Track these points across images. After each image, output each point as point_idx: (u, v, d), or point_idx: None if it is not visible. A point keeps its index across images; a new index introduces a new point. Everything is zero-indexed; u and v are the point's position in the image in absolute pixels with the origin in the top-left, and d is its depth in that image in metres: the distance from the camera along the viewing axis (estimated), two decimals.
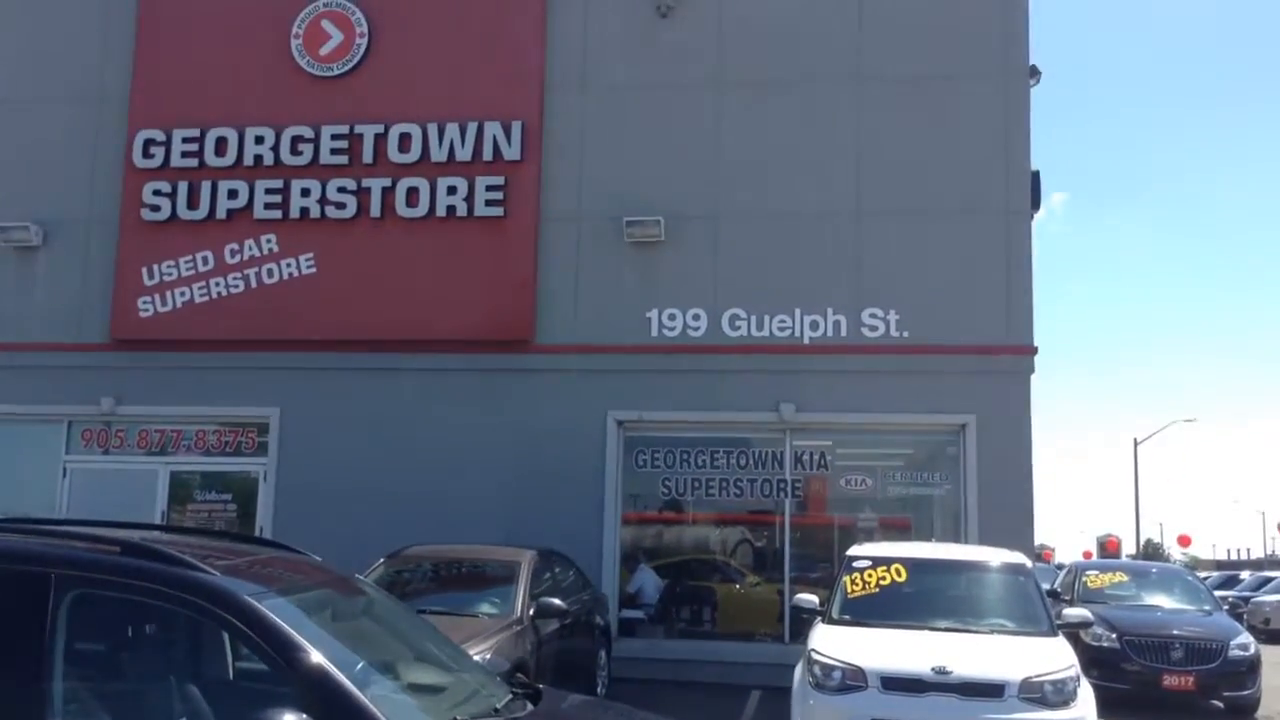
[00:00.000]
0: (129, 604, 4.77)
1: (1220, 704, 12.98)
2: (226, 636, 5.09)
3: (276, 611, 4.30)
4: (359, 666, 4.30)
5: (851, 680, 7.93)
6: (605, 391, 14.58)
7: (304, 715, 3.93)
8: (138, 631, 4.91)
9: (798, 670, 8.64)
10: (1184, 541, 26.48)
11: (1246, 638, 13.15)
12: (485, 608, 9.84)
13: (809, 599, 9.44)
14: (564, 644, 10.43)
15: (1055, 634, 8.71)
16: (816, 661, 8.18)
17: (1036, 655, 8.15)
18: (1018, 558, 9.81)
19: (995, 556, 9.87)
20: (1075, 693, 7.83)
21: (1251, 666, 12.62)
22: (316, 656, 4.18)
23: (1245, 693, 12.50)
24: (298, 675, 4.13)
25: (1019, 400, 14.15)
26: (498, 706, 4.76)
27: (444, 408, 14.70)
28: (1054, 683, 7.78)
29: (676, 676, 13.29)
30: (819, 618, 9.19)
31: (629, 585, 14.86)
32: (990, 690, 7.70)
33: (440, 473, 14.44)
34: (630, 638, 14.25)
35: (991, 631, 8.77)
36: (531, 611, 9.82)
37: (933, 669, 7.80)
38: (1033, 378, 14.30)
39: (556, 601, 10.09)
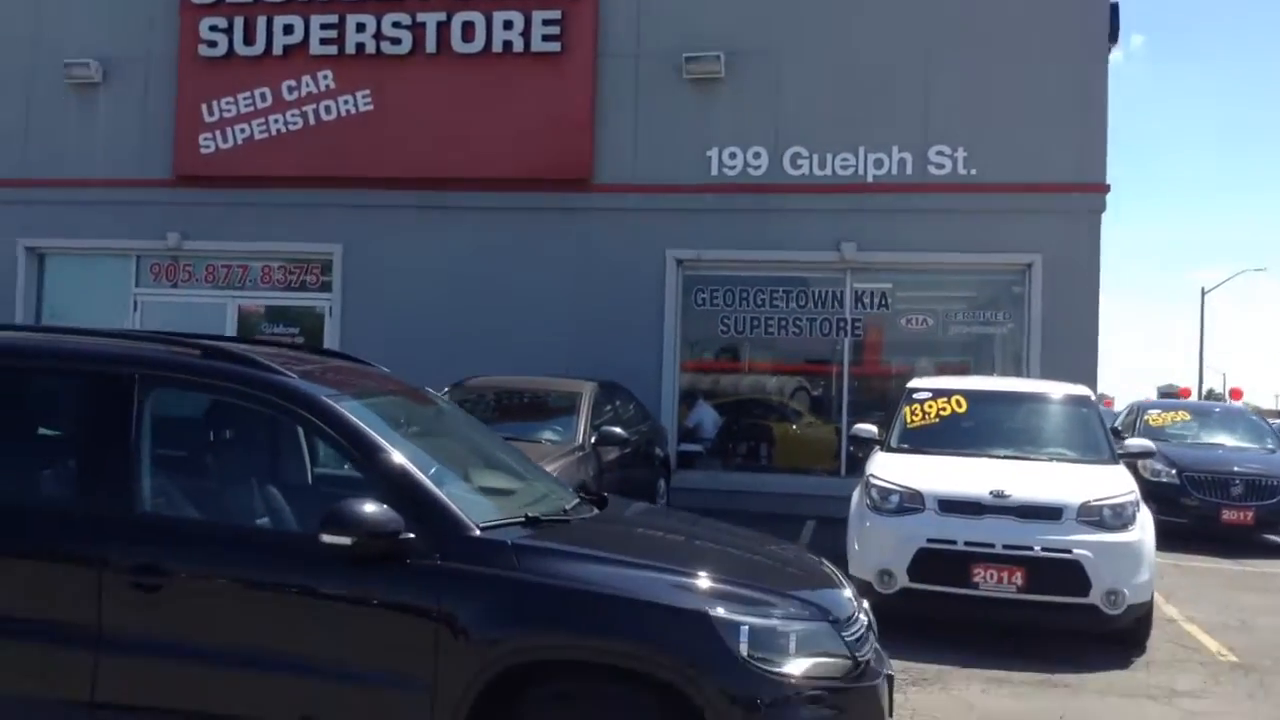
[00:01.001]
0: (209, 404, 4.94)
1: (1277, 538, 13.05)
2: (303, 436, 5.29)
3: (353, 413, 4.43)
4: (433, 469, 4.43)
5: (909, 503, 8.02)
6: (664, 231, 14.51)
7: (384, 505, 4.08)
8: (218, 431, 5.09)
9: (855, 495, 8.75)
10: (1235, 395, 26.11)
11: None
12: (548, 435, 10.02)
13: (868, 428, 9.50)
14: (624, 472, 10.63)
15: (1116, 462, 8.71)
16: (874, 485, 8.28)
17: (1096, 481, 8.17)
18: (1080, 389, 9.76)
19: (1057, 388, 9.84)
20: (1134, 517, 7.86)
21: None
22: (393, 453, 4.32)
23: None
24: (376, 471, 4.27)
25: (1088, 239, 13.89)
26: (566, 508, 4.90)
27: (504, 246, 14.74)
28: (1113, 506, 7.82)
29: (733, 507, 13.53)
30: (877, 447, 9.26)
31: (688, 420, 15.06)
32: (1048, 513, 7.76)
33: (500, 311, 14.57)
34: (688, 470, 14.50)
35: (1051, 460, 8.80)
36: (593, 439, 10.00)
37: (991, 492, 7.86)
38: (1102, 217, 14.02)
39: (618, 430, 10.25)
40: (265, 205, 15.15)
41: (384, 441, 4.34)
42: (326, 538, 3.99)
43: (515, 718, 3.99)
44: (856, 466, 13.84)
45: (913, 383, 9.94)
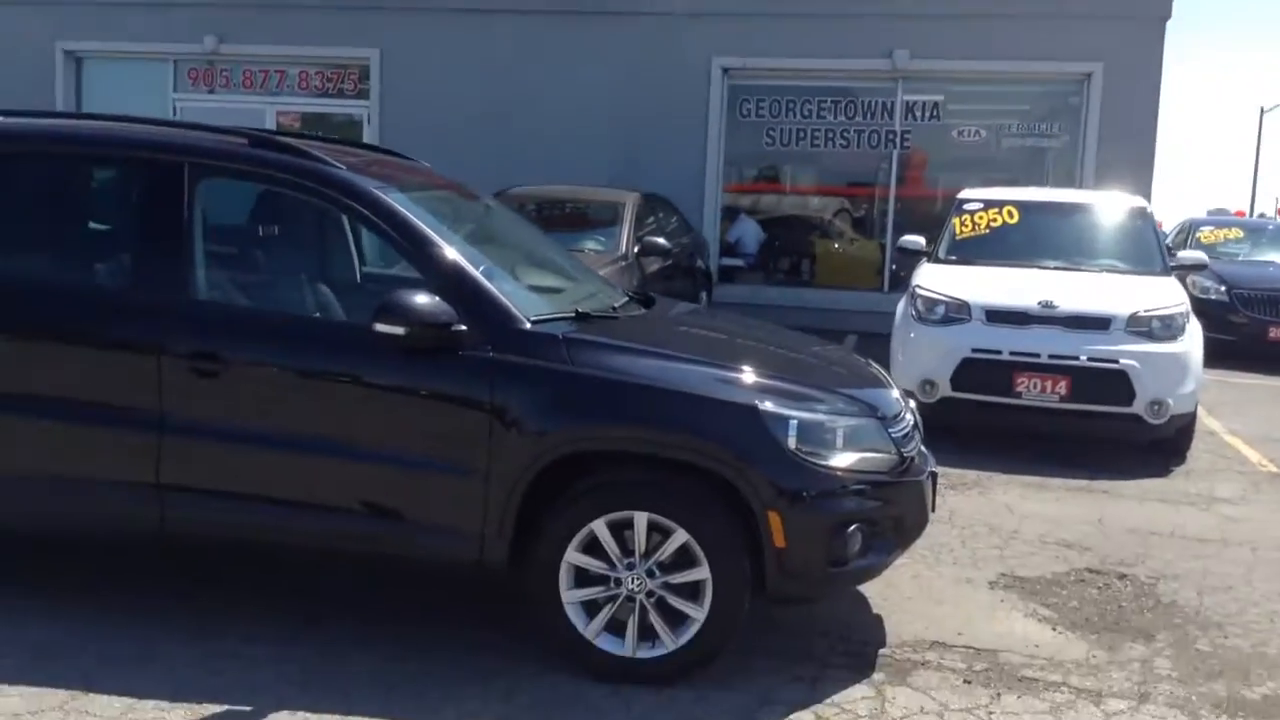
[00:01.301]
0: (258, 194, 4.92)
1: None
2: (351, 234, 5.28)
3: (402, 205, 4.39)
4: (482, 264, 4.41)
5: (955, 313, 7.97)
6: (709, 37, 14.08)
7: (436, 296, 4.08)
8: (268, 224, 5.08)
9: (900, 306, 8.70)
10: None
11: None
12: (591, 245, 9.97)
13: (915, 239, 9.35)
14: (666, 284, 10.58)
15: (1169, 274, 8.57)
16: (920, 296, 8.21)
17: (1146, 291, 8.05)
18: (1136, 199, 9.53)
19: (1112, 198, 9.62)
20: (1183, 328, 7.78)
21: None
22: (444, 246, 4.29)
23: None
24: (427, 263, 4.25)
25: (1150, 48, 13.36)
26: (615, 306, 4.90)
27: (545, 52, 14.38)
28: (1162, 318, 7.73)
29: (773, 321, 13.55)
30: (924, 258, 9.15)
31: (729, 234, 14.94)
32: (1096, 323, 7.69)
33: (541, 120, 14.33)
34: (729, 284, 14.46)
35: (1102, 271, 8.66)
36: (636, 250, 9.94)
37: (1039, 303, 7.78)
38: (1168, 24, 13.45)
39: (661, 240, 10.17)
40: (302, 8, 14.80)
41: (434, 234, 4.30)
42: (380, 327, 4.00)
43: (563, 507, 4.07)
44: (900, 284, 13.82)
45: (963, 193, 9.73)
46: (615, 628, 4.11)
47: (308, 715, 3.78)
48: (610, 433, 4.08)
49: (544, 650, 4.23)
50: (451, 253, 4.27)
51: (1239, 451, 8.43)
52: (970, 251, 8.97)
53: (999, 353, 7.71)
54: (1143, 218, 9.22)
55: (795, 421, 4.04)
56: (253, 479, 4.23)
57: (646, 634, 4.09)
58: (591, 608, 4.10)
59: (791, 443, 4.01)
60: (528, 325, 4.17)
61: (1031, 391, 7.65)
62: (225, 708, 3.80)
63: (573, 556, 4.07)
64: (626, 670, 4.09)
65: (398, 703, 3.90)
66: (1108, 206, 9.44)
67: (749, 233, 15.06)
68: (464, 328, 4.08)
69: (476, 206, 5.43)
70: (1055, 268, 8.66)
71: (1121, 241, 9.11)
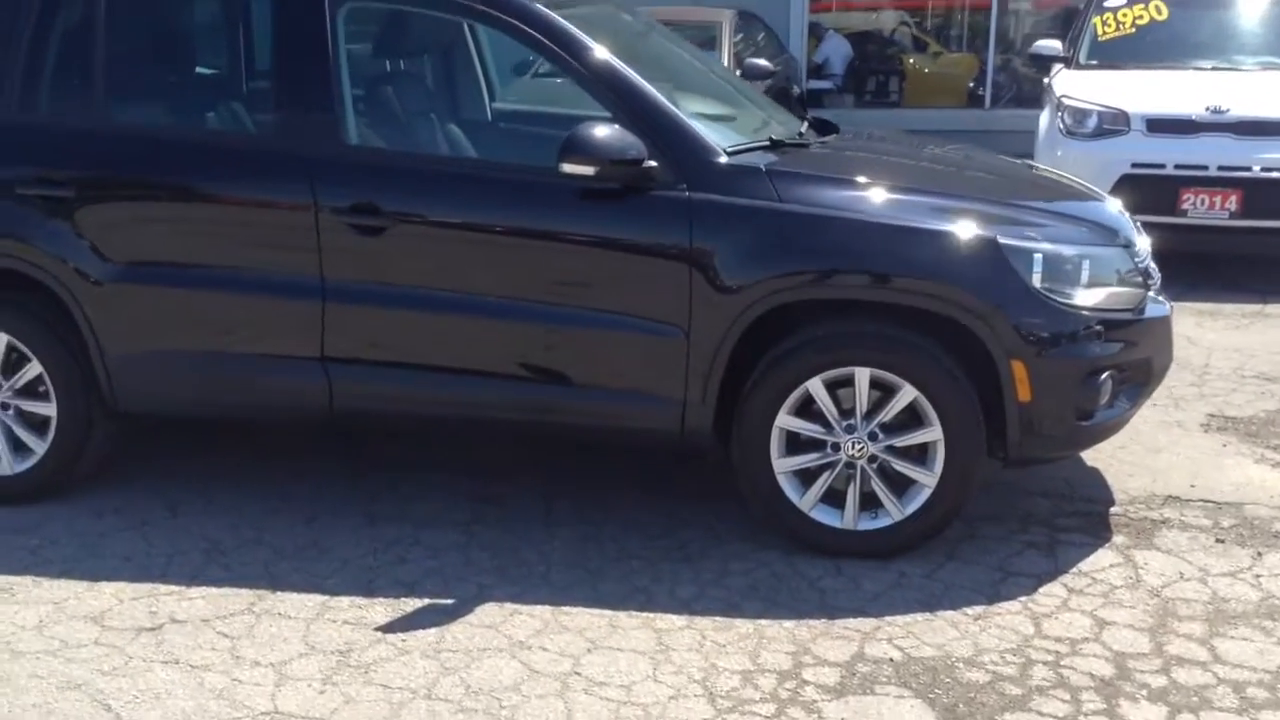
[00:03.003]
0: (408, 20, 4.39)
1: None
2: (477, 59, 4.73)
3: (574, 26, 3.81)
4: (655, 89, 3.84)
5: (1111, 124, 7.28)
6: None
7: (616, 125, 3.57)
8: (417, 57, 4.56)
9: (1042, 120, 8.00)
10: None
11: None
12: None
13: (1051, 44, 8.55)
14: None
15: None
16: (1069, 106, 7.50)
17: None
18: None
19: None
20: None
21: None
22: (624, 70, 3.74)
23: None
24: (606, 89, 3.71)
25: None
26: (800, 133, 4.32)
27: None
28: None
29: None
30: (1061, 65, 8.36)
31: (815, 55, 14.05)
32: (1271, 129, 6.99)
33: None
34: (817, 108, 13.63)
35: (1267, 70, 7.87)
36: (738, 72, 9.25)
37: (1207, 108, 7.07)
38: None
39: (763, 62, 9.46)
40: None
41: (611, 57, 3.75)
42: (567, 167, 3.50)
43: (773, 365, 3.60)
44: (1005, 98, 13.00)
45: None
46: (830, 498, 3.70)
47: (516, 606, 3.44)
48: (830, 279, 3.58)
49: (748, 528, 3.87)
50: (634, 76, 3.72)
51: None
52: (1116, 54, 8.16)
53: (1163, 166, 7.05)
54: None
55: (1039, 255, 3.52)
56: (427, 348, 3.81)
57: (865, 504, 3.68)
58: (805, 477, 3.69)
59: (1036, 280, 3.50)
60: (725, 159, 3.64)
61: (1199, 209, 7.02)
62: (426, 601, 3.48)
63: (784, 420, 3.64)
64: (844, 544, 3.70)
65: (607, 588, 3.56)
66: None
67: (837, 51, 14.13)
68: (654, 164, 3.57)
69: (636, 26, 4.79)
70: (1214, 68, 7.88)
71: None
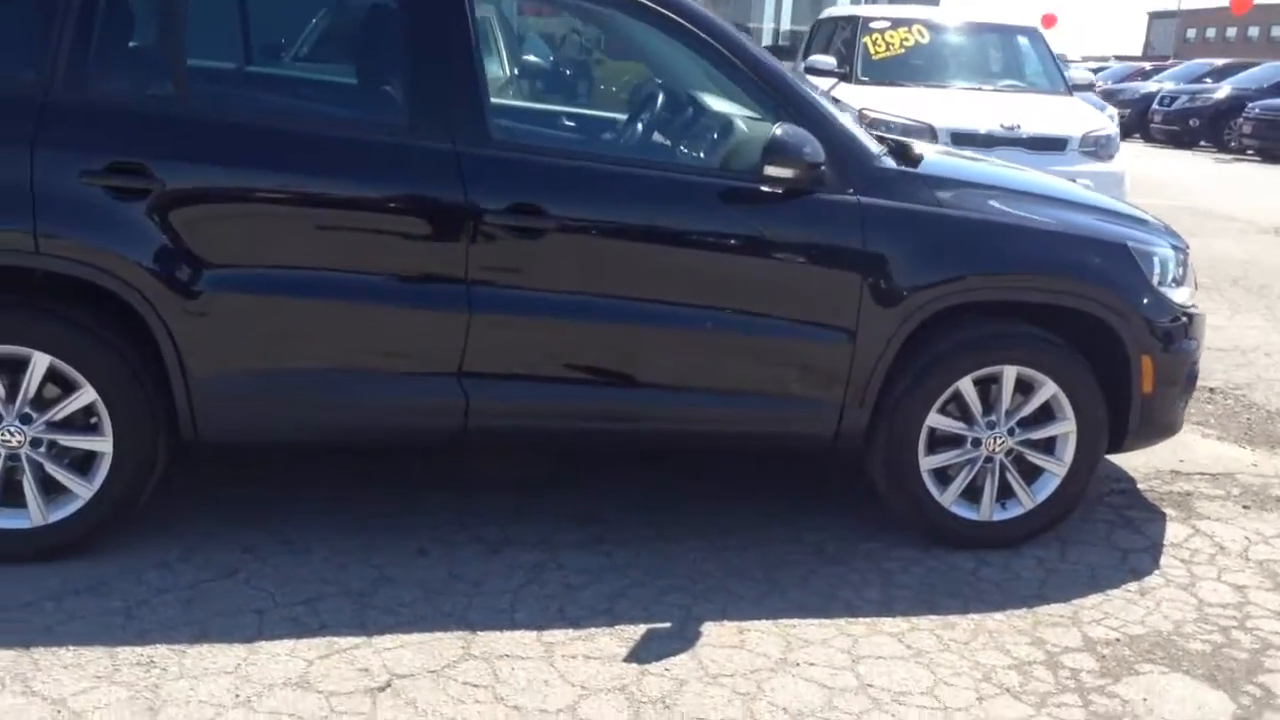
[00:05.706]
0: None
1: None
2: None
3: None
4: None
5: (917, 138, 7.92)
6: None
7: (788, 124, 3.48)
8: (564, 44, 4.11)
9: None
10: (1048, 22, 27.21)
11: None
12: None
13: (826, 59, 9.16)
14: None
15: (1071, 93, 8.98)
16: (872, 119, 8.08)
17: (1081, 113, 8.42)
18: (1027, 21, 9.84)
19: (1005, 19, 9.88)
20: (1119, 146, 8.24)
21: None
22: (785, 71, 3.66)
23: None
24: (781, 93, 3.60)
25: None
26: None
27: None
28: (1102, 137, 8.13)
29: None
30: (837, 80, 8.98)
31: None
32: (1055, 144, 7.96)
33: None
34: None
35: (1015, 91, 8.91)
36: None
37: (1001, 125, 7.93)
38: None
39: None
40: None
41: (766, 54, 3.64)
42: (771, 170, 3.37)
43: (929, 366, 3.67)
44: None
45: (864, 9, 9.59)
46: (966, 493, 3.83)
47: (736, 624, 3.25)
48: (995, 281, 3.70)
49: (847, 525, 3.94)
50: (801, 85, 3.64)
51: None
52: (889, 73, 8.92)
53: None
54: (1033, 35, 9.54)
55: (1158, 257, 3.86)
56: (576, 359, 3.49)
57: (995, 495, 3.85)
58: (943, 473, 3.79)
59: (1156, 279, 3.84)
60: (888, 163, 3.66)
61: None
62: (642, 627, 3.18)
63: (933, 419, 3.72)
64: (980, 535, 3.85)
65: (796, 596, 3.45)
66: (1005, 27, 9.67)
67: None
68: (824, 168, 3.51)
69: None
70: (967, 88, 8.81)
71: (1026, 62, 9.38)
